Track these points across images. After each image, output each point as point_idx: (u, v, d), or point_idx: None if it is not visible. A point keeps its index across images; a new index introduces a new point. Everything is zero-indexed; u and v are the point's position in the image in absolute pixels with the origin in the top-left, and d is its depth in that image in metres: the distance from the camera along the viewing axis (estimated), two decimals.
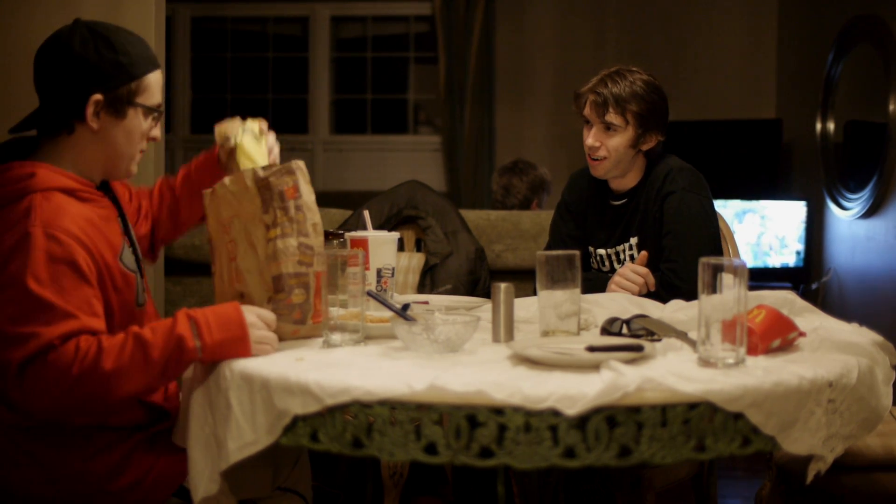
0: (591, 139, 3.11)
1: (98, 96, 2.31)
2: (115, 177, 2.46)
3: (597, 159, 3.12)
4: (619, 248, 3.17)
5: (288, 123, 8.42)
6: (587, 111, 3.13)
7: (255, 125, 2.53)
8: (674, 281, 2.96)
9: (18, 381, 2.11)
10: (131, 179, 2.57)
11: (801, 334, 2.14)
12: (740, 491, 4.56)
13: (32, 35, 3.91)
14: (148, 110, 2.38)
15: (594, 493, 3.25)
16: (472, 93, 7.72)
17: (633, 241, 3.14)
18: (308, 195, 2.26)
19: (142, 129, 2.39)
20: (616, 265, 3.17)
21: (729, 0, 7.53)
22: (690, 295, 2.87)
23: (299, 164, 2.26)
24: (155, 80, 2.40)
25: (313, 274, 2.23)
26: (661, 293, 2.92)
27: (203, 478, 2.05)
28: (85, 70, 2.31)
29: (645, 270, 2.97)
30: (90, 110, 2.32)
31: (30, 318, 2.12)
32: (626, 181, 3.18)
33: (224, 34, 8.61)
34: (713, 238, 3.08)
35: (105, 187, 2.47)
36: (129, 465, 2.35)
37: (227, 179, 2.24)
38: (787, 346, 2.10)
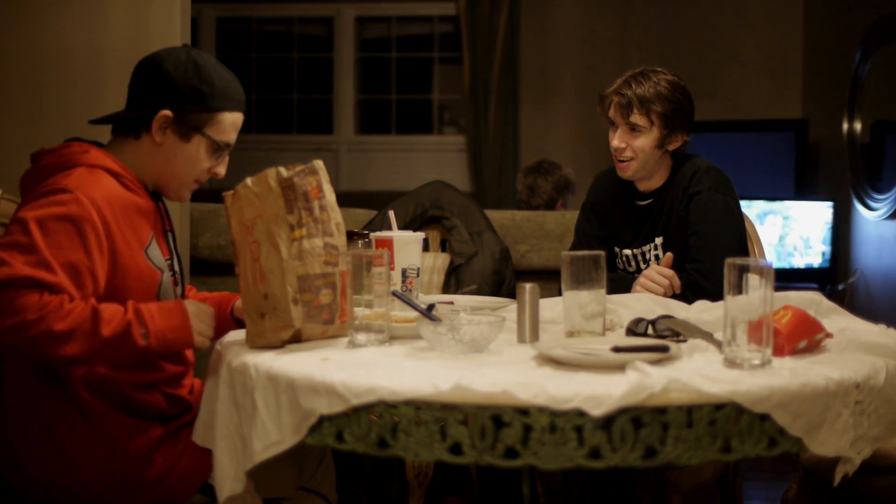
0: (616, 141, 3.10)
1: (168, 112, 2.40)
2: (165, 194, 2.54)
3: (623, 161, 3.11)
4: (645, 248, 3.16)
5: (313, 124, 8.44)
6: (612, 113, 3.12)
7: None
8: (699, 281, 2.95)
9: None
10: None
11: (828, 335, 2.13)
12: (766, 493, 4.55)
13: (62, 35, 3.95)
14: (213, 144, 2.45)
15: (619, 495, 3.25)
16: (497, 93, 7.72)
17: (659, 241, 3.13)
18: (330, 195, 2.27)
19: (201, 159, 2.46)
20: (642, 265, 3.16)
21: None
22: (716, 295, 2.85)
23: (320, 164, 2.27)
24: (230, 120, 2.47)
25: (339, 274, 2.24)
26: (687, 293, 2.91)
27: (228, 477, 2.06)
28: (166, 85, 2.41)
29: (671, 273, 2.96)
30: (157, 123, 2.41)
31: (14, 248, 2.20)
32: (653, 182, 3.17)
33: (249, 34, 8.64)
34: (739, 238, 3.06)
35: (157, 196, 2.54)
36: (154, 459, 2.37)
37: (249, 180, 2.24)
38: (813, 347, 2.09)
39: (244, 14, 8.63)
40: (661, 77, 3.10)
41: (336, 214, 2.27)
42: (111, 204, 2.32)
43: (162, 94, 2.41)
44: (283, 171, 2.23)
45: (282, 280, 2.19)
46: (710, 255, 2.96)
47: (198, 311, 2.33)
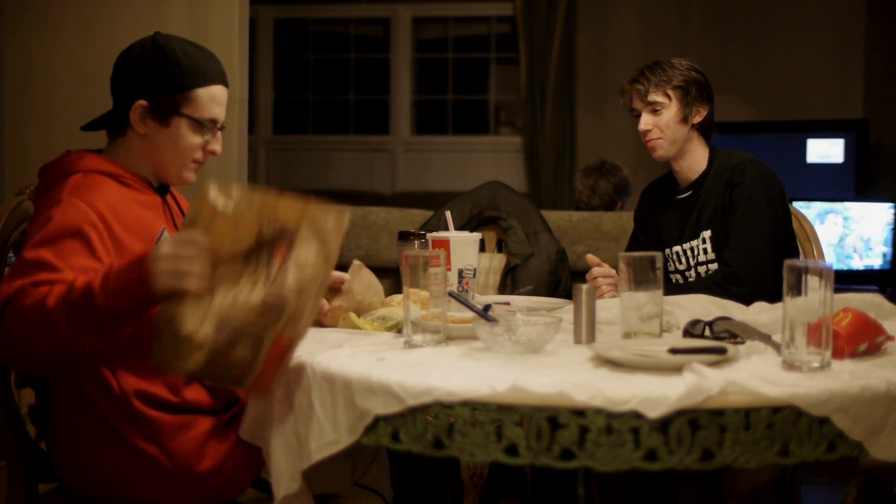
0: (642, 124, 3.17)
1: (142, 102, 2.41)
2: (168, 181, 2.53)
3: (651, 140, 3.15)
4: (693, 243, 3.15)
5: (369, 124, 8.47)
6: (634, 103, 3.20)
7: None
8: (735, 270, 2.97)
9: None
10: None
11: (890, 338, 2.10)
12: (825, 497, 4.50)
13: (117, 39, 3.99)
14: (194, 122, 2.44)
15: (676, 497, 3.23)
16: (554, 93, 7.71)
17: (707, 234, 3.12)
18: (305, 253, 2.05)
19: (188, 140, 2.45)
20: (691, 261, 3.16)
21: None
22: (748, 286, 2.88)
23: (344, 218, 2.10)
24: (207, 95, 2.45)
25: (272, 335, 2.02)
26: (721, 282, 2.95)
27: (284, 476, 2.07)
28: (135, 76, 2.43)
29: (607, 269, 3.04)
30: (134, 115, 2.42)
31: (18, 273, 2.15)
32: (690, 168, 3.18)
33: (306, 35, 8.68)
34: (777, 230, 3.05)
35: (163, 190, 2.55)
36: (206, 451, 2.37)
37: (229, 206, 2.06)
38: (874, 350, 2.07)
39: (301, 15, 8.68)
40: (675, 62, 3.19)
41: (302, 274, 2.05)
42: (111, 205, 2.32)
43: (133, 86, 2.42)
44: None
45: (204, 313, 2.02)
46: (745, 245, 3.01)
47: (173, 248, 2.04)
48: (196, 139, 2.46)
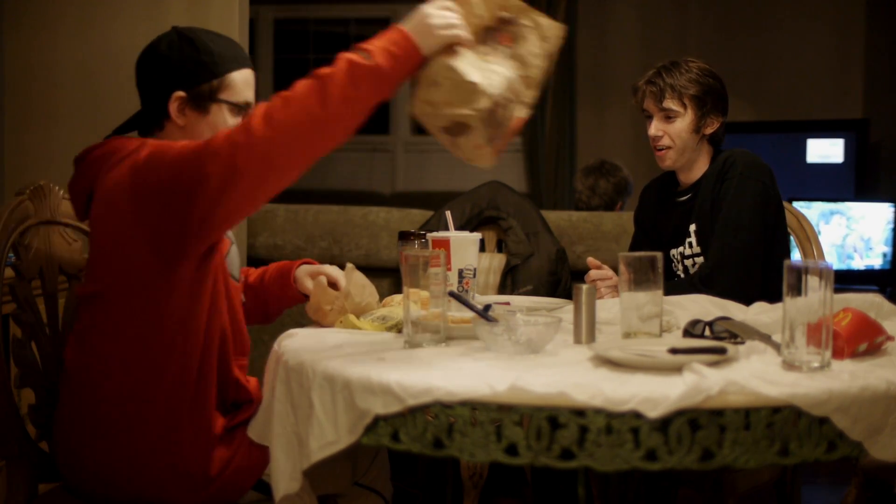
0: (652, 130, 3.13)
1: (180, 93, 2.42)
2: None
3: (661, 149, 3.12)
4: (687, 241, 3.14)
5: (369, 124, 8.41)
6: (646, 104, 3.16)
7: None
8: (711, 272, 2.95)
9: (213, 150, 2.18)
10: None
11: (890, 338, 2.10)
12: (825, 497, 4.50)
13: (117, 39, 4.00)
14: (233, 106, 2.46)
15: (676, 497, 3.23)
16: (554, 93, 7.71)
17: (692, 227, 3.11)
18: (531, 46, 2.28)
19: (228, 125, 2.44)
20: (685, 261, 3.15)
21: None
22: (722, 288, 2.84)
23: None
24: (241, 78, 2.47)
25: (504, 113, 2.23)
26: (698, 285, 2.91)
27: (285, 476, 2.07)
28: (168, 69, 2.43)
29: (606, 272, 3.03)
30: (173, 107, 2.42)
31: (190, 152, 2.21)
32: (693, 172, 3.16)
33: (306, 35, 8.68)
34: (763, 226, 3.01)
35: None
36: (213, 454, 2.38)
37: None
38: (874, 351, 2.07)
39: (301, 15, 8.68)
40: (692, 65, 3.13)
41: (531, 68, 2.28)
42: None
43: (168, 79, 2.43)
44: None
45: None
46: (724, 246, 2.98)
47: (435, 8, 2.21)
48: (233, 124, 2.46)
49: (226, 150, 2.15)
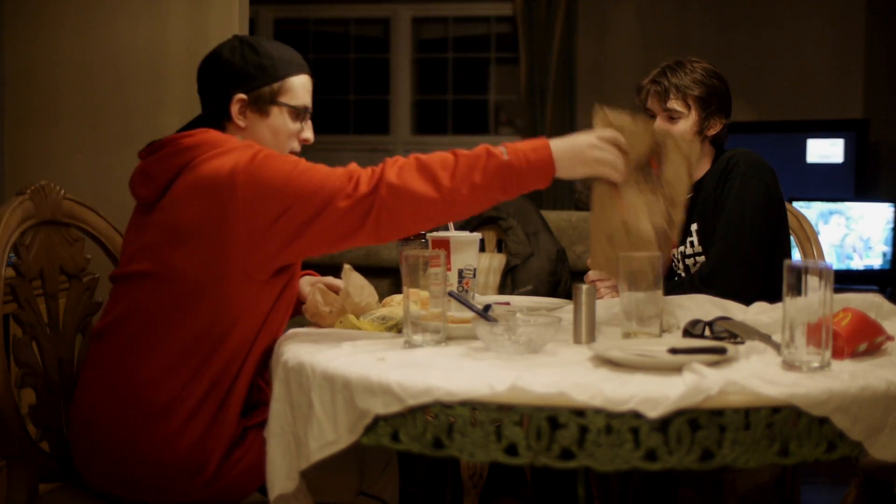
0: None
1: (242, 95, 2.48)
2: None
3: None
4: (688, 241, 3.13)
5: (369, 124, 8.47)
6: (650, 103, 3.14)
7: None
8: (712, 272, 2.95)
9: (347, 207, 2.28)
10: None
11: (889, 338, 2.11)
12: (825, 497, 4.50)
13: (117, 39, 4.00)
14: (292, 109, 2.51)
15: (676, 497, 3.23)
16: (554, 93, 7.70)
17: (694, 227, 3.10)
18: (678, 165, 2.39)
19: (288, 128, 2.52)
20: (685, 261, 3.14)
21: None
22: (722, 288, 2.82)
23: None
24: (300, 83, 2.53)
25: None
26: (698, 285, 2.90)
27: (280, 475, 2.07)
28: (230, 72, 2.49)
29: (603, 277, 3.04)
30: (235, 109, 2.48)
31: (316, 183, 2.31)
32: (696, 172, 3.15)
33: (306, 35, 8.68)
34: (766, 226, 3.01)
35: None
36: (229, 454, 2.38)
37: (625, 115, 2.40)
38: (874, 350, 2.07)
39: (301, 15, 8.68)
40: (697, 65, 3.12)
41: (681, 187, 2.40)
42: None
43: (230, 82, 2.48)
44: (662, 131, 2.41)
45: (645, 212, 2.33)
46: (726, 247, 2.97)
47: (569, 138, 2.37)
48: (294, 126, 2.53)
49: (359, 203, 2.26)
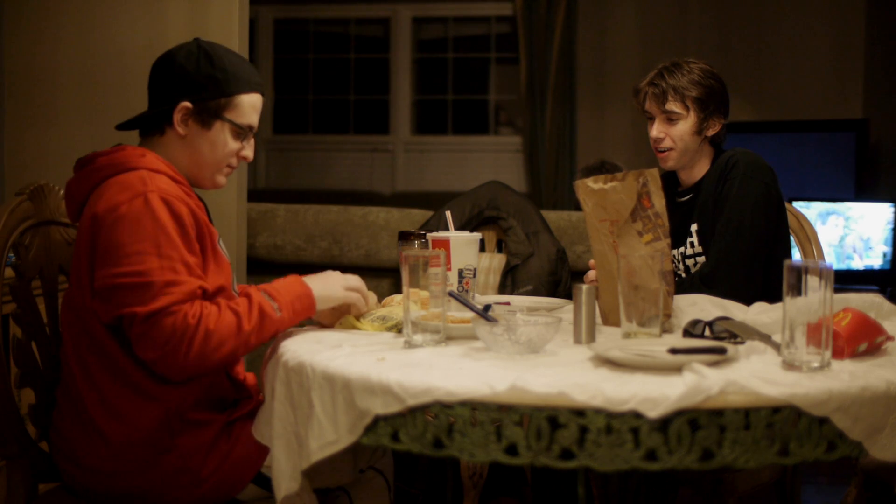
0: (654, 132, 3.11)
1: (187, 104, 2.44)
2: (199, 184, 2.56)
3: (663, 151, 3.11)
4: (688, 241, 3.13)
5: (369, 124, 8.47)
6: (648, 105, 3.13)
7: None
8: (712, 272, 2.94)
9: (142, 330, 2.25)
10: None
11: (889, 338, 2.10)
12: (825, 497, 4.50)
13: (117, 39, 4.00)
14: (236, 127, 2.48)
15: (676, 497, 3.23)
16: (554, 93, 7.71)
17: (693, 227, 3.10)
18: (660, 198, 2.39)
19: (227, 145, 2.49)
20: (686, 261, 3.14)
21: None
22: (722, 288, 2.81)
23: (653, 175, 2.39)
24: (249, 102, 2.50)
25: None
26: (698, 285, 2.90)
27: (285, 476, 2.07)
28: (180, 78, 2.46)
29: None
30: (178, 115, 2.45)
31: (147, 276, 2.25)
32: (695, 173, 3.15)
33: (306, 35, 8.68)
34: (766, 226, 3.01)
35: None
36: (211, 453, 2.38)
37: (605, 180, 2.40)
38: (874, 350, 2.07)
39: (301, 15, 8.68)
40: (694, 66, 3.10)
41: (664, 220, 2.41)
42: (188, 205, 2.37)
43: (178, 87, 2.45)
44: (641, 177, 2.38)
45: (651, 275, 2.27)
46: (726, 247, 2.96)
47: (321, 279, 2.43)
48: (234, 144, 2.50)
49: (162, 344, 2.25)
